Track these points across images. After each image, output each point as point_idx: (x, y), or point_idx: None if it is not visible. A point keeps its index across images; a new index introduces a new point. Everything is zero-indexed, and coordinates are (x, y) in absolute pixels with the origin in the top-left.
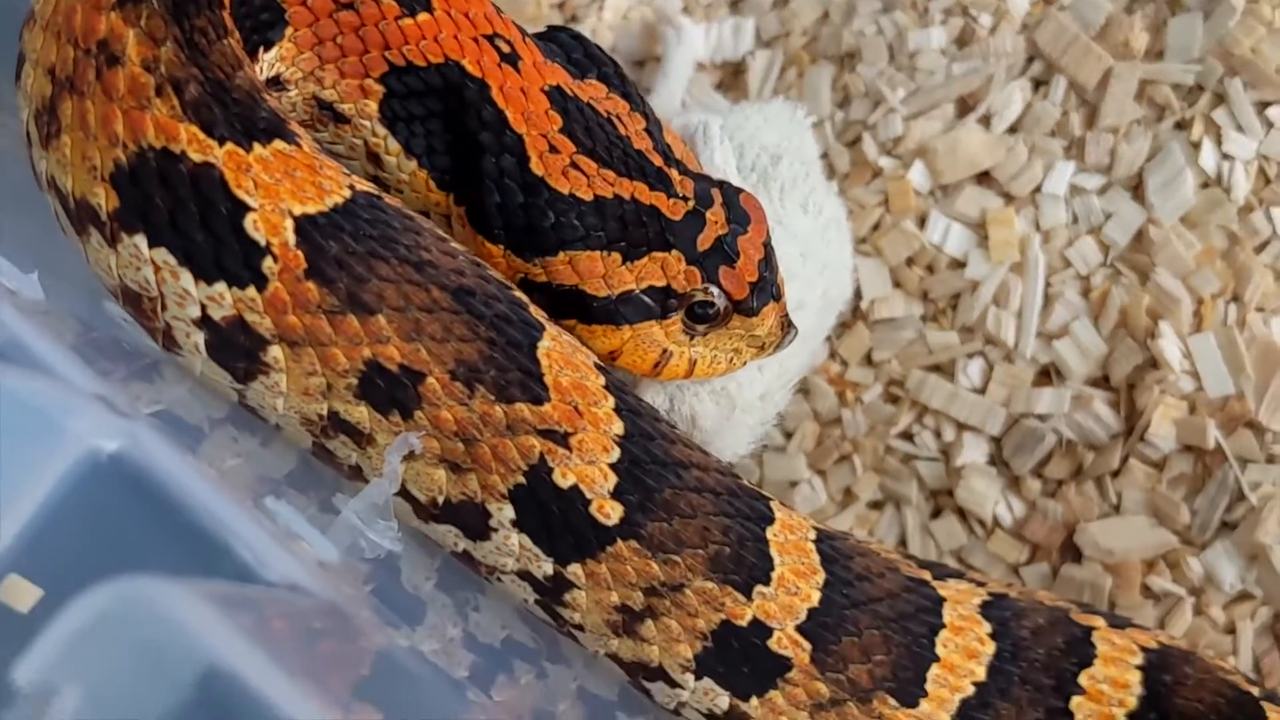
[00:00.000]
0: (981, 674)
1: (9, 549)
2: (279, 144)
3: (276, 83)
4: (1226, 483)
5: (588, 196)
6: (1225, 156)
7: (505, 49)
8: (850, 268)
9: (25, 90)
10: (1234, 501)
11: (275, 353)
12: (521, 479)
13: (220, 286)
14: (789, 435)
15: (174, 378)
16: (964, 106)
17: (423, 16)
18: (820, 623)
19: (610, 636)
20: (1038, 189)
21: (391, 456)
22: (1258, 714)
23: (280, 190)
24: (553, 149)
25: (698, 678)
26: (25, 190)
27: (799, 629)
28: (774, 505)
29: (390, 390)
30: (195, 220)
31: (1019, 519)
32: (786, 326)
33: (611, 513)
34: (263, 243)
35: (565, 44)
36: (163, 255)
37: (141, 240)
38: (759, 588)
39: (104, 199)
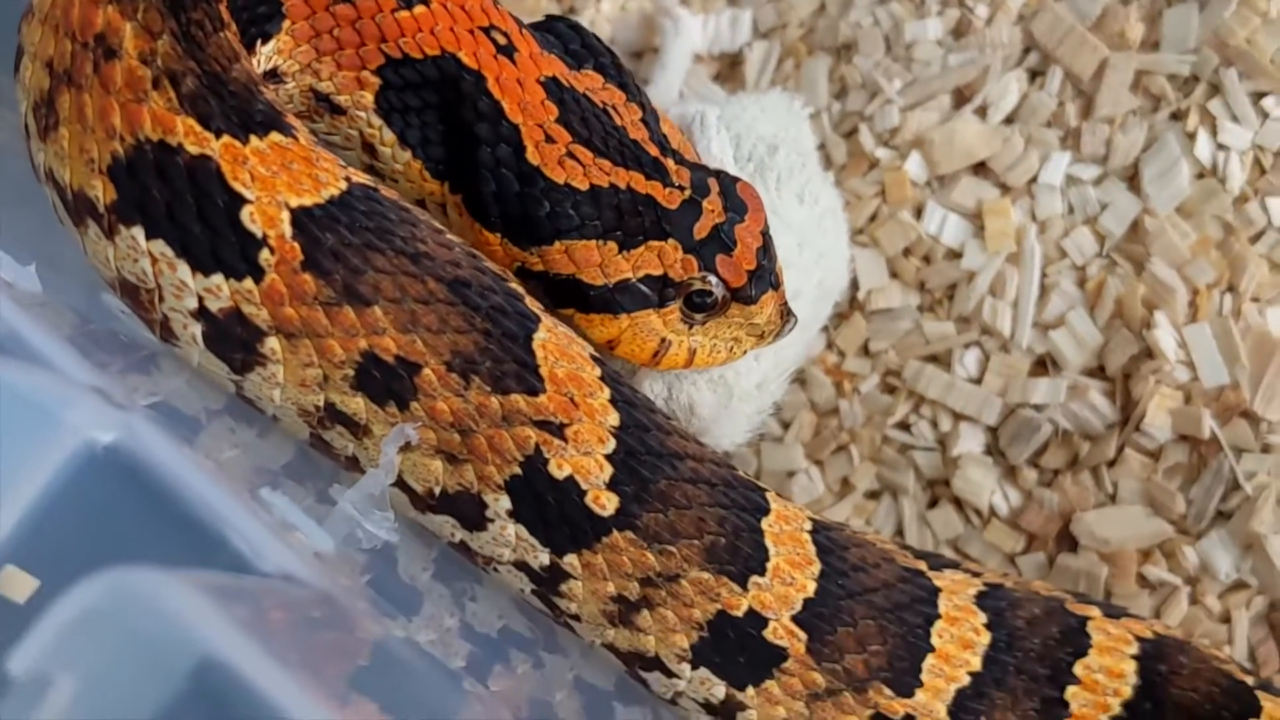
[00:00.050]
0: (977, 664)
1: (5, 540)
2: (275, 136)
3: (274, 75)
4: (1222, 472)
5: (583, 186)
6: (1220, 147)
7: (502, 41)
8: (846, 257)
9: (23, 83)
10: (1229, 491)
11: (272, 344)
12: (517, 470)
13: (217, 278)
14: (786, 425)
15: (171, 369)
16: (960, 97)
17: (419, 9)
18: (816, 613)
19: (606, 626)
20: (1034, 179)
21: (388, 447)
22: (1252, 703)
23: (277, 182)
24: (549, 139)
25: (694, 667)
26: (23, 183)
27: (794, 619)
28: (769, 496)
29: (386, 381)
30: (192, 212)
31: (1015, 509)
32: (786, 315)
33: (607, 504)
34: (259, 235)
35: (563, 34)
36: (160, 247)
37: (139, 232)
38: (754, 578)
39: (101, 191)
